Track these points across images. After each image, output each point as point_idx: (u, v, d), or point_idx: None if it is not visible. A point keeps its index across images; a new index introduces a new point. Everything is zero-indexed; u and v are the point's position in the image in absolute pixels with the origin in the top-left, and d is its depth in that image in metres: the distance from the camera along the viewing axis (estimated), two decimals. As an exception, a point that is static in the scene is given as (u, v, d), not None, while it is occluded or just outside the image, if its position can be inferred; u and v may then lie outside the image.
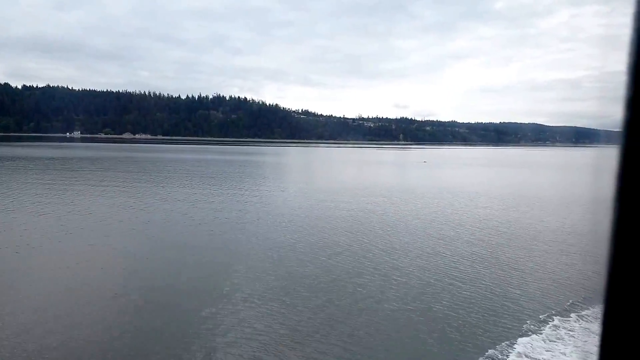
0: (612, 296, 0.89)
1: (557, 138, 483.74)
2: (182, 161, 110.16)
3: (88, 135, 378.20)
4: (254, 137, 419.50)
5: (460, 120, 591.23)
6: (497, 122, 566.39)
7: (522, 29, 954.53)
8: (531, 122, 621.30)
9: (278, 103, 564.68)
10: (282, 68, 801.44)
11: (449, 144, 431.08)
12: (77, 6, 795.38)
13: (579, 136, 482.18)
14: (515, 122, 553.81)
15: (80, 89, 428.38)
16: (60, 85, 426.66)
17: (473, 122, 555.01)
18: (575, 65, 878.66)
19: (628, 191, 0.83)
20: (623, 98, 0.86)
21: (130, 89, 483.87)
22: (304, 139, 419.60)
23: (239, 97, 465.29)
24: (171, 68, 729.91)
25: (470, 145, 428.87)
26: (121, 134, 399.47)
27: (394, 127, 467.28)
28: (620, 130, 0.87)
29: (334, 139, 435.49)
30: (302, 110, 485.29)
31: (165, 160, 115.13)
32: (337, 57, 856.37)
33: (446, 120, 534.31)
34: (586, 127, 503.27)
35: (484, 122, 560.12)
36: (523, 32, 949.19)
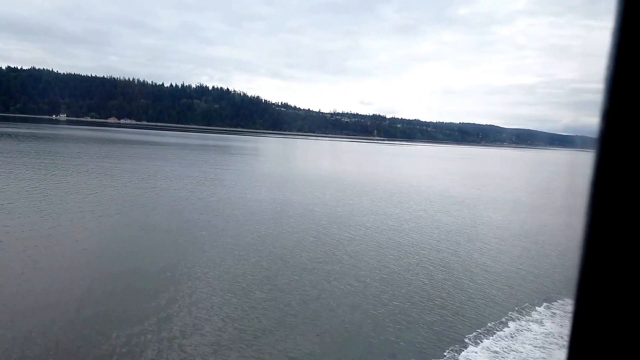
0: (583, 296, 0.98)
1: (513, 139, 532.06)
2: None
3: (74, 119, 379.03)
4: (236, 127, 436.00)
5: (422, 118, 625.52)
6: (458, 122, 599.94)
7: (482, 36, 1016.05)
8: (488, 123, 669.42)
9: (259, 95, 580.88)
10: (252, 60, 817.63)
11: (420, 141, 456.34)
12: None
13: (532, 138, 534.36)
14: (474, 123, 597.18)
15: (66, 73, 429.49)
16: (45, 67, 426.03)
17: (435, 121, 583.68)
18: (530, 71, 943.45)
19: (600, 195, 0.95)
20: (600, 110, 0.94)
21: (99, 74, 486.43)
22: (285, 131, 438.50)
23: (221, 87, 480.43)
24: (142, 54, 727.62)
25: (443, 143, 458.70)
26: (106, 119, 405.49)
27: (369, 123, 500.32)
28: (596, 139, 0.95)
29: (313, 132, 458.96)
30: (281, 103, 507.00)
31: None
32: (305, 52, 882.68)
33: (410, 119, 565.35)
34: (537, 129, 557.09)
35: (445, 122, 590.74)
36: (483, 39, 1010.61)
